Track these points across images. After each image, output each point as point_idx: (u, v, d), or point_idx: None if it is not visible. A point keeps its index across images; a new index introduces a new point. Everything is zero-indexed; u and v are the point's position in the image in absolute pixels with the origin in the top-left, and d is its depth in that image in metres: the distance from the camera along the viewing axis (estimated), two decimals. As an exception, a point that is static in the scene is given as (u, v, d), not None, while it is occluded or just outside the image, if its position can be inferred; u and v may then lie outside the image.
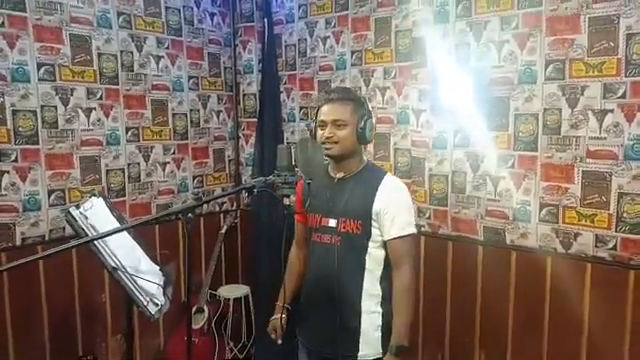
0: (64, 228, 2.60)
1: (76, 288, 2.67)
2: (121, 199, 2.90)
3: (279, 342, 1.84)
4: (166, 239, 2.97)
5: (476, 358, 2.51)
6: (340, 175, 1.74)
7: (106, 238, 1.54)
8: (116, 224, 1.69)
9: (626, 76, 1.97)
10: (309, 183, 1.79)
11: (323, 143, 1.67)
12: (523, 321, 2.36)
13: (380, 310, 1.69)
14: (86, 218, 1.55)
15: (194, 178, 3.27)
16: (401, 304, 1.64)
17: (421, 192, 2.66)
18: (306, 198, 1.76)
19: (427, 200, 2.65)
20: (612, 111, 2.02)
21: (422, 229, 2.68)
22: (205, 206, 3.33)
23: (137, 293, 1.57)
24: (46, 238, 2.57)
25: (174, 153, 3.15)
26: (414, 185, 2.68)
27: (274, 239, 2.96)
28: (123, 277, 1.55)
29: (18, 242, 2.48)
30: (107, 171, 2.84)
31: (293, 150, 1.68)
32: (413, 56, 2.60)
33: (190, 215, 1.48)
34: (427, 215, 2.67)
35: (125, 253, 1.64)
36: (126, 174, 2.93)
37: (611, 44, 1.99)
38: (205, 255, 3.25)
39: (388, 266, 1.70)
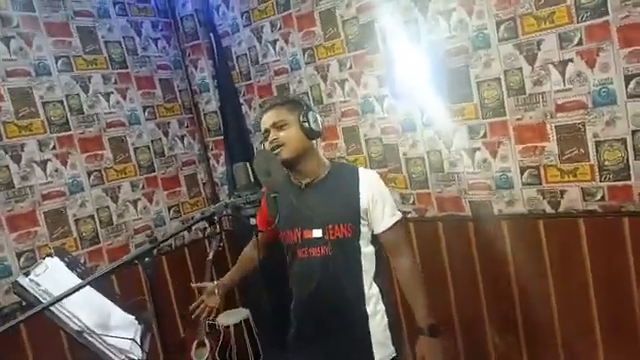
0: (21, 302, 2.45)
1: (67, 352, 2.52)
2: (96, 247, 2.79)
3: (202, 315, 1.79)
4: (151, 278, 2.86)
5: (489, 336, 2.43)
6: (306, 181, 1.62)
7: (65, 300, 1.43)
8: (77, 282, 1.57)
9: (578, 22, 1.89)
10: (275, 197, 1.69)
11: (272, 150, 1.58)
12: (528, 290, 2.28)
13: (383, 308, 1.62)
14: (38, 285, 1.43)
15: (170, 209, 3.17)
16: (414, 288, 1.59)
17: (400, 178, 2.58)
18: (275, 213, 1.67)
19: (408, 185, 2.56)
20: (572, 60, 1.94)
21: (409, 215, 2.59)
22: (187, 235, 3.22)
23: (109, 353, 1.45)
24: (23, 303, 2.42)
25: (143, 188, 3.04)
26: (391, 173, 2.60)
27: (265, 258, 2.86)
28: (90, 339, 1.44)
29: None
30: (76, 221, 2.73)
31: (253, 166, 1.59)
32: (364, 43, 2.51)
33: (147, 259, 1.37)
34: (411, 200, 2.58)
35: (91, 310, 1.52)
36: (96, 220, 2.81)
37: (557, -7, 1.91)
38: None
39: (380, 260, 1.63)
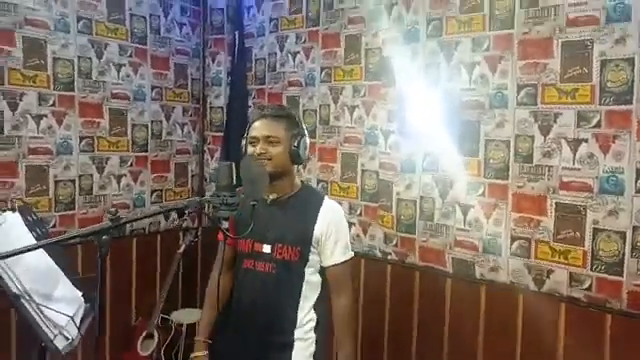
0: None
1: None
2: (70, 212, 2.71)
3: None
4: (113, 258, 2.76)
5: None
6: (273, 196, 1.62)
7: (12, 260, 1.35)
8: (31, 243, 1.49)
9: (600, 104, 1.85)
10: (254, 205, 1.64)
11: (255, 160, 1.55)
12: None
13: (313, 336, 1.60)
14: (-13, 237, 1.36)
15: (152, 192, 3.09)
16: (346, 330, 1.59)
17: (388, 217, 2.51)
18: (249, 222, 1.60)
19: (394, 226, 2.49)
20: (586, 141, 1.88)
21: (388, 257, 2.52)
22: (163, 223, 3.14)
23: (43, 325, 1.36)
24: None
25: (131, 165, 2.97)
26: (380, 210, 2.53)
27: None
28: (26, 305, 1.35)
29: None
30: (56, 182, 2.65)
31: (239, 168, 1.52)
32: (382, 75, 2.48)
33: (105, 237, 1.29)
34: (394, 242, 2.51)
35: (35, 277, 1.43)
36: (77, 186, 2.73)
37: (585, 70, 1.88)
38: (161, 276, 3.05)
39: (324, 291, 1.63)
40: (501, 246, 2.14)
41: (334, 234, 1.58)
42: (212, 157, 3.30)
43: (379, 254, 2.56)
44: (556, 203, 1.98)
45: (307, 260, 1.58)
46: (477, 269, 2.23)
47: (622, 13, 1.80)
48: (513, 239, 2.11)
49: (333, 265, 1.59)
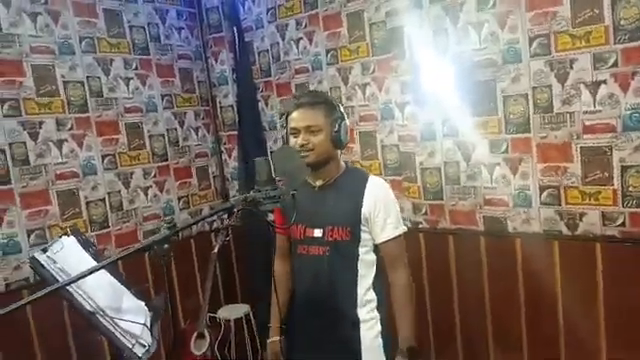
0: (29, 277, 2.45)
1: (69, 330, 2.54)
2: (105, 231, 2.78)
3: None
4: (157, 267, 2.84)
5: (491, 354, 2.40)
6: (320, 183, 1.65)
7: (81, 280, 1.41)
8: (92, 263, 1.56)
9: (615, 43, 1.87)
10: (293, 194, 1.69)
11: (298, 152, 1.57)
12: (535, 311, 2.25)
13: (377, 315, 1.62)
14: (54, 262, 1.42)
15: (179, 199, 3.15)
16: (403, 306, 1.59)
17: (414, 188, 2.55)
18: (292, 211, 1.65)
19: (421, 196, 2.54)
20: (605, 82, 1.91)
21: (419, 226, 2.57)
22: (194, 227, 3.21)
23: (121, 337, 1.44)
24: (31, 280, 2.43)
25: (155, 176, 3.03)
26: (405, 182, 2.58)
27: (267, 253, 2.85)
28: (102, 321, 1.42)
29: (2, 289, 2.36)
30: (87, 203, 2.72)
31: (272, 162, 1.57)
32: (390, 48, 2.50)
33: (166, 246, 1.35)
34: (423, 211, 2.56)
35: (104, 293, 1.51)
36: (107, 204, 2.80)
37: (596, 11, 1.89)
38: (200, 277, 3.13)
39: (380, 270, 1.63)
40: (531, 198, 2.19)
41: (382, 210, 1.58)
42: (230, 156, 3.35)
43: (410, 225, 2.61)
44: (581, 148, 2.02)
45: (359, 239, 1.58)
46: (509, 224, 2.28)
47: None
48: (542, 189, 2.15)
49: (385, 241, 1.59)
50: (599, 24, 1.89)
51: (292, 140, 1.60)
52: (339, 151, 1.65)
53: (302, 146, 1.56)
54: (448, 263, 2.48)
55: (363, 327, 1.59)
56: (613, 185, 1.96)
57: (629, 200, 1.94)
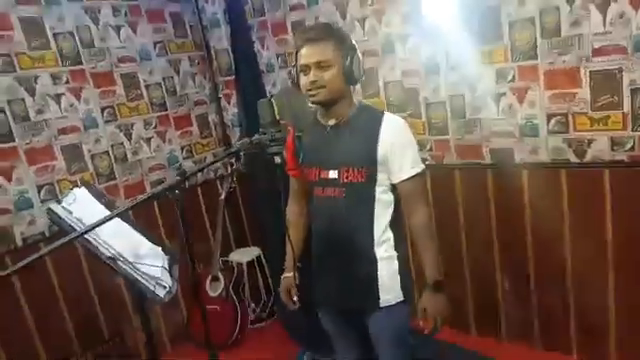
0: (44, 231, 2.51)
1: (88, 276, 2.63)
2: (112, 182, 2.80)
3: (294, 307, 1.77)
4: (167, 213, 2.89)
5: (499, 285, 2.48)
6: (332, 122, 1.59)
7: (97, 229, 1.44)
8: (105, 212, 1.58)
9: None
10: (299, 136, 1.67)
11: (309, 90, 1.51)
12: (543, 240, 2.29)
13: (395, 254, 1.62)
14: (70, 212, 1.44)
15: (182, 149, 3.15)
16: (425, 241, 1.58)
17: (419, 124, 2.53)
18: (299, 152, 1.64)
19: (426, 131, 2.52)
20: (616, 0, 1.83)
21: (426, 162, 2.55)
22: (200, 175, 3.23)
23: (142, 280, 1.48)
24: (47, 234, 2.50)
25: (156, 127, 3.01)
26: (410, 118, 2.55)
27: (275, 197, 2.87)
28: (123, 266, 1.47)
29: (19, 243, 2.43)
30: (92, 156, 2.72)
31: (275, 103, 1.54)
32: (390, -23, 2.38)
33: (177, 192, 1.36)
34: (428, 147, 2.55)
35: (122, 240, 1.54)
36: (111, 156, 2.80)
37: None
38: (209, 224, 3.19)
39: (397, 209, 1.61)
40: (538, 127, 2.17)
41: (399, 150, 1.53)
42: (229, 103, 3.30)
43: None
44: (590, 72, 1.97)
45: (375, 180, 1.55)
46: (516, 154, 2.28)
47: None
48: (549, 117, 2.13)
49: (403, 181, 1.55)
50: None
51: (303, 78, 1.53)
52: (351, 88, 1.59)
53: (313, 83, 1.49)
54: (455, 198, 2.51)
55: (381, 265, 1.60)
56: (623, 109, 1.93)
57: (639, 123, 1.92)
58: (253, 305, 3.19)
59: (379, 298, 1.60)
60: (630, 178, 1.99)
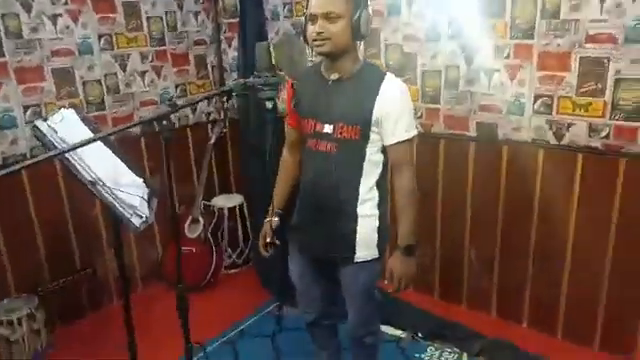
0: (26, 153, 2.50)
1: (66, 204, 2.66)
2: (101, 113, 2.80)
3: (266, 253, 1.84)
4: (152, 151, 2.92)
5: (466, 253, 2.59)
6: (335, 76, 1.60)
7: (80, 151, 1.48)
8: (91, 136, 1.61)
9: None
10: (293, 84, 1.69)
11: (314, 40, 1.52)
12: (512, 215, 2.39)
13: (377, 212, 1.67)
14: (55, 132, 1.47)
15: (176, 87, 3.14)
16: (405, 205, 1.61)
17: (413, 90, 2.56)
18: (309, 101, 1.65)
19: (419, 98, 2.56)
20: (616, -12, 1.86)
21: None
22: (191, 117, 3.25)
23: (119, 206, 1.53)
24: (27, 155, 2.50)
25: (152, 61, 2.98)
26: (406, 83, 2.55)
27: (264, 146, 2.91)
28: (102, 191, 1.51)
29: (-1, 161, 2.44)
30: (83, 83, 2.71)
31: (273, 49, 1.55)
32: None
33: (165, 122, 1.40)
34: (419, 114, 2.59)
35: (104, 166, 1.57)
36: (104, 85, 2.79)
37: None
38: (195, 167, 3.24)
39: (385, 169, 1.66)
40: (524, 105, 2.22)
41: (394, 113, 1.54)
42: (230, 46, 3.27)
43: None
44: (580, 57, 2.01)
45: (368, 139, 1.58)
46: (499, 130, 2.33)
47: None
48: (536, 97, 2.18)
49: (394, 144, 1.57)
50: None
51: (310, 28, 1.53)
52: (357, 44, 1.58)
53: (319, 34, 1.49)
54: (436, 166, 2.57)
55: (361, 222, 1.64)
56: (604, 97, 1.99)
57: (617, 113, 1.98)
58: (230, 251, 3.25)
59: (355, 253, 1.66)
60: (601, 165, 2.07)
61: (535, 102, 2.18)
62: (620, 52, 1.90)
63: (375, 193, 1.66)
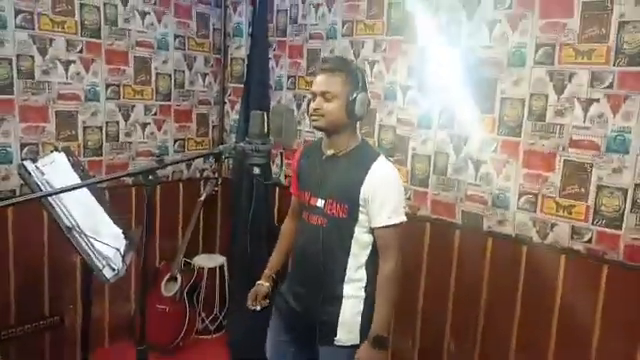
0: (14, 191, 2.52)
1: (46, 246, 2.62)
2: (98, 158, 2.84)
3: (256, 308, 1.81)
4: (141, 204, 2.92)
5: (445, 345, 2.51)
6: (330, 152, 1.66)
7: (63, 196, 1.49)
8: (78, 182, 1.63)
9: (614, 65, 1.90)
10: (282, 153, 1.77)
11: (311, 115, 1.61)
12: (495, 307, 2.34)
13: (362, 295, 1.64)
14: (42, 173, 1.49)
15: (175, 141, 3.21)
16: (383, 294, 1.60)
17: (403, 172, 2.61)
18: (311, 173, 1.71)
19: (408, 180, 2.60)
20: (598, 100, 1.95)
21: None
22: (185, 172, 3.29)
23: (93, 256, 1.51)
24: (17, 193, 2.50)
25: (155, 114, 3.08)
26: (396, 164, 2.62)
27: (248, 209, 2.91)
28: (78, 238, 1.50)
29: (-13, 196, 2.43)
30: (84, 128, 2.77)
31: (268, 118, 1.62)
32: (404, 30, 2.51)
33: (150, 177, 1.42)
34: (407, 195, 2.62)
35: (84, 213, 1.58)
36: (104, 132, 2.86)
37: (603, 31, 1.92)
38: (182, 222, 3.22)
39: (374, 251, 1.64)
40: (509, 200, 2.25)
41: (380, 196, 1.55)
42: (232, 109, 3.39)
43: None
44: (564, 160, 2.07)
45: (356, 219, 1.59)
46: (485, 221, 2.35)
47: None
48: (521, 194, 2.21)
49: (379, 227, 1.58)
50: (603, 43, 1.92)
51: (311, 103, 1.63)
52: (355, 123, 1.65)
53: (315, 110, 1.59)
54: (422, 250, 2.56)
55: (345, 303, 1.62)
56: (587, 202, 2.02)
57: (599, 219, 2.00)
58: (204, 315, 3.15)
59: (336, 335, 1.62)
60: (583, 268, 2.06)
61: (520, 198, 2.22)
62: (603, 160, 1.97)
63: (363, 274, 1.64)
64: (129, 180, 2.86)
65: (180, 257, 3.03)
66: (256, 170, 1.61)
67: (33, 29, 2.50)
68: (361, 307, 1.63)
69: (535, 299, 2.21)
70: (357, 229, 1.61)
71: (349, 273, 1.62)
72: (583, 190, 2.03)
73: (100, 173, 2.83)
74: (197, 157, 3.10)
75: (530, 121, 2.15)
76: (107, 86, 2.83)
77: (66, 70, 2.65)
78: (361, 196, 1.57)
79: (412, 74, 2.50)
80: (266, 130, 1.63)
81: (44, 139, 2.61)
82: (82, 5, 2.65)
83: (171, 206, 3.19)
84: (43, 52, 2.56)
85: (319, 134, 1.76)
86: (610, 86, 1.92)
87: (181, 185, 3.24)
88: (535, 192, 2.17)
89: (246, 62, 3.23)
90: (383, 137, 2.68)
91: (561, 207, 2.10)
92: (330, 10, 2.82)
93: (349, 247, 1.62)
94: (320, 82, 1.60)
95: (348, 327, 1.62)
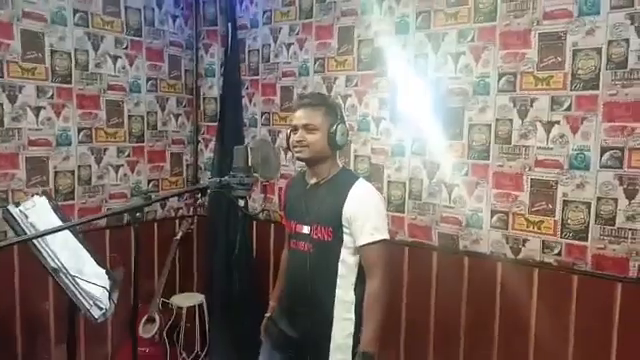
0: (6, 232, 2.44)
1: (17, 293, 2.52)
2: (69, 202, 2.78)
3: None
4: (116, 244, 2.85)
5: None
6: (313, 181, 1.76)
7: (48, 238, 1.47)
8: (60, 224, 1.61)
9: (571, 90, 2.08)
10: (265, 185, 1.82)
11: (294, 147, 1.70)
12: (474, 325, 2.40)
13: (353, 317, 1.67)
14: (26, 217, 1.47)
15: (149, 182, 3.19)
16: (370, 312, 1.62)
17: (380, 199, 2.69)
18: (299, 203, 1.77)
19: (386, 206, 2.67)
20: (558, 123, 2.12)
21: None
22: (160, 211, 3.25)
23: (80, 296, 1.49)
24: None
25: (129, 156, 3.06)
26: (372, 192, 2.70)
27: (231, 246, 2.90)
28: (65, 279, 1.47)
29: (-45, 245, 2.33)
30: (55, 173, 2.72)
31: (250, 152, 1.66)
32: (375, 65, 2.65)
33: (138, 214, 1.43)
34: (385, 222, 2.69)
35: (69, 255, 1.56)
36: (76, 176, 2.81)
37: (559, 59, 2.10)
38: (158, 262, 3.16)
39: (362, 272, 1.69)
40: (482, 220, 2.36)
41: (362, 216, 1.62)
42: (206, 147, 3.41)
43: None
44: (531, 179, 2.21)
45: (341, 241, 1.65)
46: (460, 242, 2.44)
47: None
48: (493, 213, 2.33)
49: (362, 246, 1.63)
50: (560, 71, 2.10)
51: (292, 136, 1.72)
52: (336, 152, 1.76)
53: (298, 142, 1.68)
54: (401, 273, 2.61)
55: (336, 326, 1.66)
56: (555, 216, 2.16)
57: (567, 232, 2.13)
58: (184, 354, 3.08)
59: (328, 357, 1.65)
60: (554, 280, 2.17)
61: (492, 217, 2.33)
62: (566, 177, 2.12)
63: (352, 296, 1.68)
64: (102, 222, 2.80)
65: (157, 297, 2.96)
66: (241, 202, 1.64)
67: (2, 77, 2.48)
68: (352, 329, 1.67)
69: (512, 312, 2.29)
70: (343, 251, 1.67)
71: (339, 296, 1.67)
72: (550, 206, 2.16)
73: (73, 217, 2.76)
74: (184, 192, 3.08)
75: (497, 145, 2.29)
76: (79, 130, 2.81)
77: (37, 116, 2.62)
78: (343, 216, 1.64)
79: (384, 106, 2.63)
80: (250, 164, 1.67)
81: (14, 186, 2.54)
82: (53, 52, 2.66)
83: (146, 247, 3.12)
84: (12, 99, 2.53)
85: (297, 166, 1.84)
86: (569, 109, 2.10)
87: (155, 225, 3.20)
88: (506, 210, 2.29)
89: (219, 101, 3.29)
90: (359, 167, 2.76)
91: (531, 223, 2.22)
92: (301, 48, 2.94)
93: (336, 270, 1.67)
94: (301, 116, 1.70)
95: (340, 350, 1.66)
